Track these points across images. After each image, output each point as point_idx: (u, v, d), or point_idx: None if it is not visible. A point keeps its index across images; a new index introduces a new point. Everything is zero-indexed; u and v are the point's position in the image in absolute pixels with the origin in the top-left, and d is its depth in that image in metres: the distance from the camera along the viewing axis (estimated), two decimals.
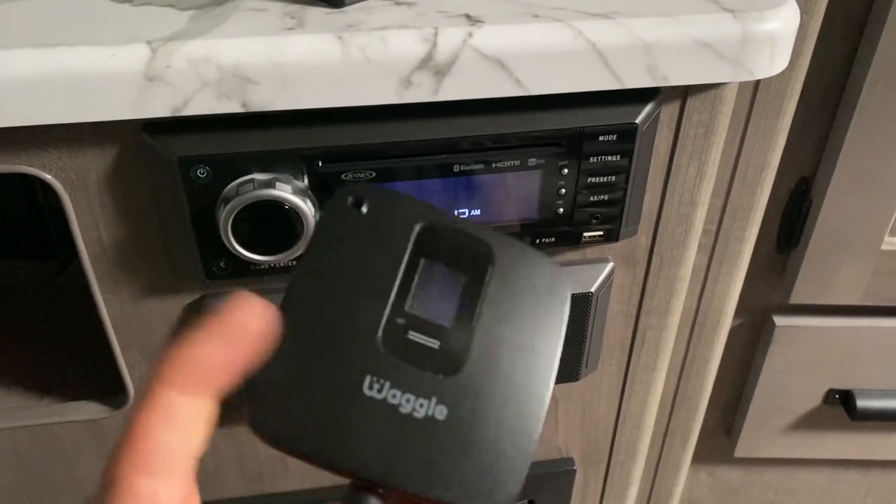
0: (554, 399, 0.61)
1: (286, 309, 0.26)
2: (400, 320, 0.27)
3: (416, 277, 0.28)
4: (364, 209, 0.28)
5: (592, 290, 0.52)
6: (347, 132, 0.43)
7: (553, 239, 0.49)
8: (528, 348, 0.28)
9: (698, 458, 0.78)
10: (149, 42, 0.38)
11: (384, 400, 0.26)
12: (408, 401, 0.26)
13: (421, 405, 0.26)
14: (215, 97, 0.39)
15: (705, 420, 0.72)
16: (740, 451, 0.77)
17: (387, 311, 0.27)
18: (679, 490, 0.77)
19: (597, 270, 0.52)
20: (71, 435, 0.56)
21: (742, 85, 0.51)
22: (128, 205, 0.45)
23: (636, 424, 0.64)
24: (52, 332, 0.62)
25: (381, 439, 0.26)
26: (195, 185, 0.43)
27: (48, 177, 0.44)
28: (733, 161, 0.55)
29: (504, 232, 0.29)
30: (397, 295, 0.27)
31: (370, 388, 0.26)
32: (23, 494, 0.59)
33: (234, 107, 0.40)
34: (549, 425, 0.62)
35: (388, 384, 0.26)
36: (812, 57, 0.53)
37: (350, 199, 0.28)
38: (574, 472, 0.65)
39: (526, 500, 0.66)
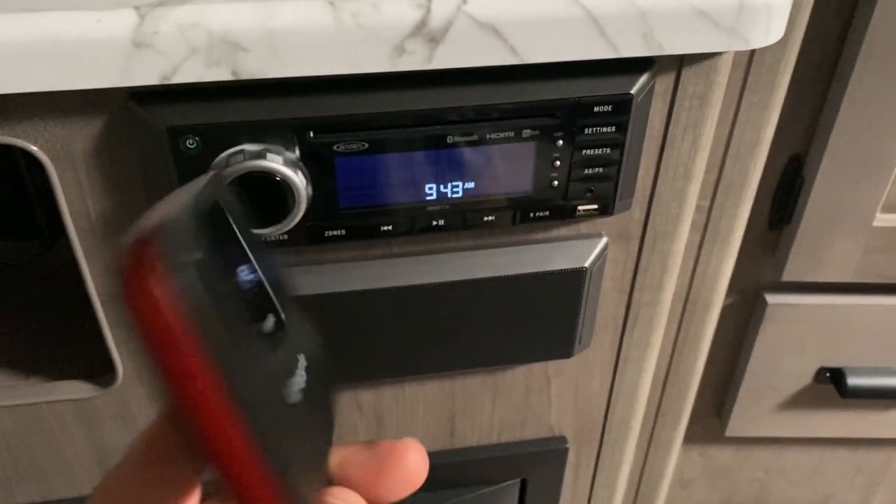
0: (546, 377, 0.60)
1: None
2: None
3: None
4: None
5: (586, 265, 0.52)
6: (340, 102, 0.43)
7: (547, 213, 0.48)
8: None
9: (689, 438, 0.78)
10: (136, 7, 0.38)
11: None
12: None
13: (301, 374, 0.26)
14: (205, 64, 0.39)
15: (696, 400, 0.72)
16: (731, 430, 0.77)
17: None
18: (670, 470, 0.77)
19: (590, 245, 0.52)
20: (58, 414, 0.55)
21: (736, 59, 0.50)
22: (115, 177, 0.44)
23: (629, 402, 0.64)
24: (37, 312, 0.61)
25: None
26: (184, 155, 0.42)
27: (34, 148, 0.43)
28: (726, 137, 0.55)
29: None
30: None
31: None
32: (9, 475, 0.58)
33: (223, 74, 0.39)
34: (542, 403, 0.62)
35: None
36: (805, 31, 0.52)
37: None
38: (566, 450, 0.65)
39: (518, 479, 0.66)
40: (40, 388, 0.55)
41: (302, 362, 0.26)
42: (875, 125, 0.58)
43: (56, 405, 0.55)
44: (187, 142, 0.42)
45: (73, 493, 0.60)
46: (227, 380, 0.21)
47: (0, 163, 0.59)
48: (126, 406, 0.55)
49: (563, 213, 0.49)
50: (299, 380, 0.26)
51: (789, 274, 0.65)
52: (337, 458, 0.28)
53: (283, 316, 0.26)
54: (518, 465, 0.65)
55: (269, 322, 0.26)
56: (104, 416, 0.55)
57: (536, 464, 0.66)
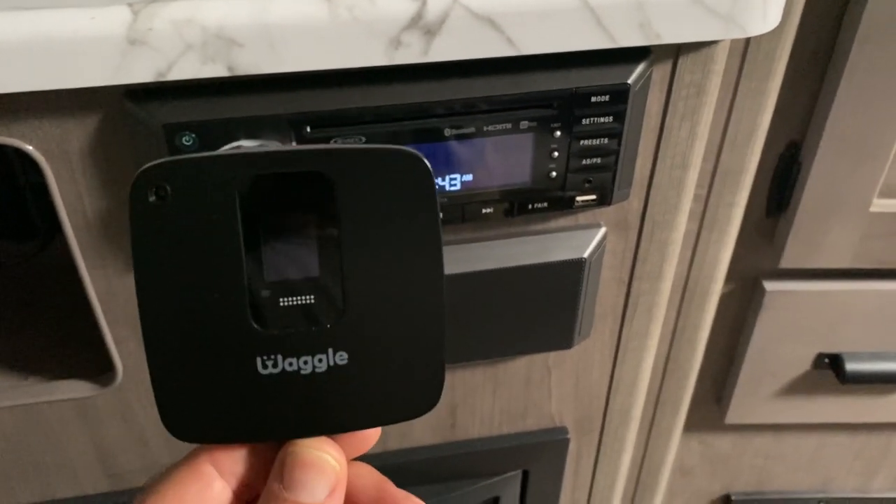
0: (546, 368, 0.60)
1: (146, 328, 0.26)
2: (264, 293, 0.26)
3: (263, 240, 0.26)
4: (169, 191, 0.25)
5: (585, 255, 0.52)
6: (336, 96, 0.42)
7: (546, 204, 0.48)
8: (403, 253, 0.26)
9: (689, 426, 0.78)
10: (130, 4, 0.37)
11: (283, 371, 0.26)
12: (305, 363, 0.26)
13: (320, 360, 0.26)
14: (200, 60, 0.38)
15: (696, 388, 0.73)
16: (731, 417, 0.77)
17: (245, 292, 0.26)
18: (671, 458, 0.77)
19: (589, 236, 0.52)
20: (59, 414, 0.55)
21: (732, 46, 0.50)
22: (112, 175, 0.44)
23: (629, 391, 0.64)
24: (35, 311, 0.60)
25: (294, 404, 0.27)
26: (181, 152, 0.42)
27: (29, 148, 0.42)
28: (723, 124, 0.54)
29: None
30: (250, 269, 0.26)
31: (264, 367, 0.26)
32: (11, 475, 0.58)
33: (219, 70, 0.39)
34: (542, 394, 0.62)
35: (279, 356, 0.26)
36: (801, 17, 0.52)
37: (152, 191, 0.25)
38: (567, 440, 0.65)
39: (520, 470, 0.66)
40: (40, 387, 0.54)
41: (330, 356, 0.26)
42: (871, 111, 0.58)
43: (56, 405, 0.54)
44: (184, 139, 0.41)
45: (74, 492, 0.60)
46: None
47: None
48: (127, 404, 0.55)
49: (562, 203, 0.49)
50: (301, 362, 0.26)
51: (787, 261, 0.65)
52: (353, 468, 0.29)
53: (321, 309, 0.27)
54: (519, 456, 0.65)
55: (287, 300, 0.26)
56: (104, 415, 0.55)
57: (538, 454, 0.66)
